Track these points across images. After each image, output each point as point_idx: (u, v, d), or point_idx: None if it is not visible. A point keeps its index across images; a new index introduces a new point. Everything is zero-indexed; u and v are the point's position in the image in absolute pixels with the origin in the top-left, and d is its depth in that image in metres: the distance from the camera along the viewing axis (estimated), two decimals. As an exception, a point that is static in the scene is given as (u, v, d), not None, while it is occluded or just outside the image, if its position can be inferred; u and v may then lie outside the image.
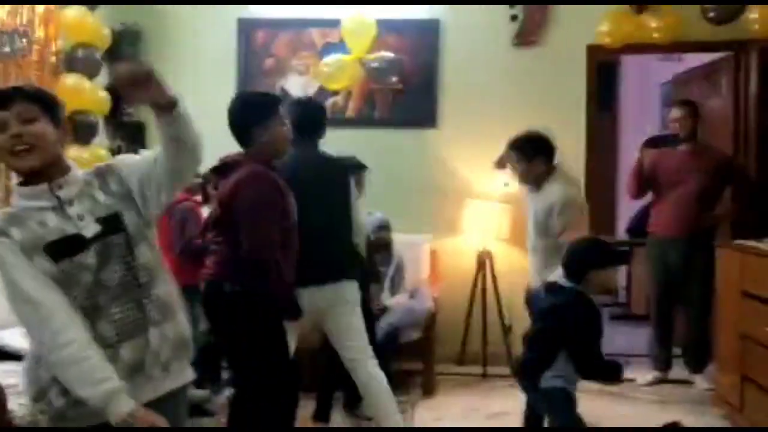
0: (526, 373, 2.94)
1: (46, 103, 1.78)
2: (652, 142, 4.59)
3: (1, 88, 1.87)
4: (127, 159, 1.96)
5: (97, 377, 1.68)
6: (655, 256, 4.61)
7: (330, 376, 3.74)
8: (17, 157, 1.74)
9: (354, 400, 3.86)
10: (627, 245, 6.51)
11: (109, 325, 1.76)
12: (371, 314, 3.93)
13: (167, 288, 1.89)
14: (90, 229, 1.76)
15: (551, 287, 2.93)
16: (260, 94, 3.38)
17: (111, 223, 1.79)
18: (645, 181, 4.62)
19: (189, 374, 1.96)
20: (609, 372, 2.86)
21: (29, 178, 1.78)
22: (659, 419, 3.75)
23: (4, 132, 1.73)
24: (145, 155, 1.91)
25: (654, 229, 4.63)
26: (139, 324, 1.80)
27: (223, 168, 2.91)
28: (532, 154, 3.48)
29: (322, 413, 3.76)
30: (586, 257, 2.84)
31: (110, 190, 1.83)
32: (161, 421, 1.71)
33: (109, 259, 1.76)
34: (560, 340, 2.79)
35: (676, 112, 4.56)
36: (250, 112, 2.86)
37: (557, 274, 2.92)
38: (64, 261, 1.72)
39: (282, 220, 2.81)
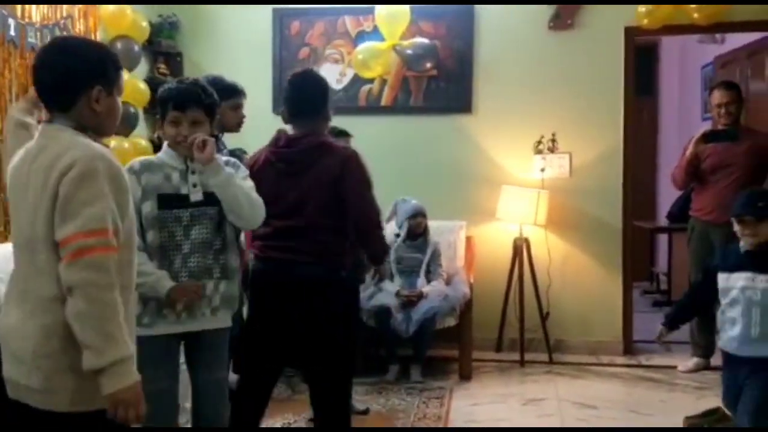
0: None
1: (211, 110, 2.43)
2: (709, 138, 4.42)
3: (182, 94, 2.39)
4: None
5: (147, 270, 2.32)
6: (697, 239, 4.52)
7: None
8: (179, 145, 2.38)
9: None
10: (667, 231, 6.45)
11: (185, 266, 2.38)
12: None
13: (235, 257, 2.47)
14: (196, 196, 2.38)
15: None
16: None
17: (211, 198, 2.39)
18: (694, 171, 4.48)
19: (229, 321, 2.52)
20: None
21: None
22: (698, 406, 3.71)
23: (176, 127, 2.37)
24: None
25: (696, 214, 4.54)
26: (204, 273, 2.40)
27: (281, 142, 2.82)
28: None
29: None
30: None
31: None
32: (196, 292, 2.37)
33: (198, 221, 2.38)
34: None
35: (719, 97, 4.41)
36: (328, 91, 2.88)
37: None
38: (164, 210, 2.35)
39: None
